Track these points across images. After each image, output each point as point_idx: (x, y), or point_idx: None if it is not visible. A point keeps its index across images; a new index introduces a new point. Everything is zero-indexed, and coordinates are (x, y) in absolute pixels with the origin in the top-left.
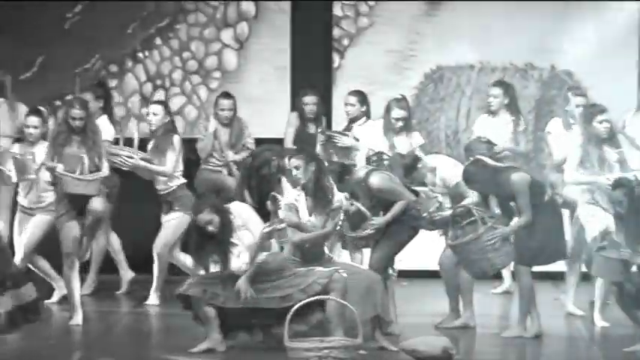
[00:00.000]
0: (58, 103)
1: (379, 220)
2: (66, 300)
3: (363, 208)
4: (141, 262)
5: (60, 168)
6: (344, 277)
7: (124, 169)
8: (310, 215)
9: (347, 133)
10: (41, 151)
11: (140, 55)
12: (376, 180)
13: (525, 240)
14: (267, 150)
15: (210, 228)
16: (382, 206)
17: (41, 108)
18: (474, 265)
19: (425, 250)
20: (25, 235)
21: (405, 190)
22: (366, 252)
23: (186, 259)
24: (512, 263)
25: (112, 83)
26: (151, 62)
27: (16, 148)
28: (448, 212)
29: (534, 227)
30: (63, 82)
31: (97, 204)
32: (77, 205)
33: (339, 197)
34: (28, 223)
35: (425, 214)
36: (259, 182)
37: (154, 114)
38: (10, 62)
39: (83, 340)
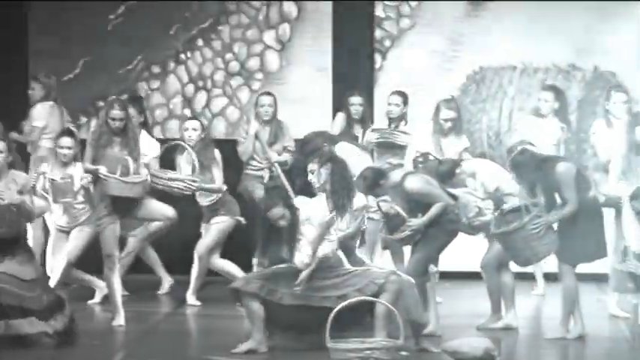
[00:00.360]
0: (100, 104)
1: (417, 221)
2: (107, 300)
3: (401, 211)
4: (178, 263)
5: (103, 170)
6: (400, 280)
7: (186, 193)
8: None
9: (405, 131)
10: (78, 172)
11: (182, 56)
12: (412, 183)
13: (567, 237)
14: (318, 135)
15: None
16: (420, 209)
17: (72, 128)
18: (517, 254)
19: (466, 251)
20: (68, 246)
21: (442, 192)
22: (407, 253)
23: (224, 265)
24: (557, 265)
25: (155, 84)
26: (193, 63)
27: (47, 169)
28: (488, 217)
29: (575, 224)
30: (106, 83)
31: (171, 212)
32: (119, 207)
33: (361, 198)
34: (63, 241)
35: (464, 219)
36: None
37: (194, 129)
38: (53, 63)
39: (126, 341)
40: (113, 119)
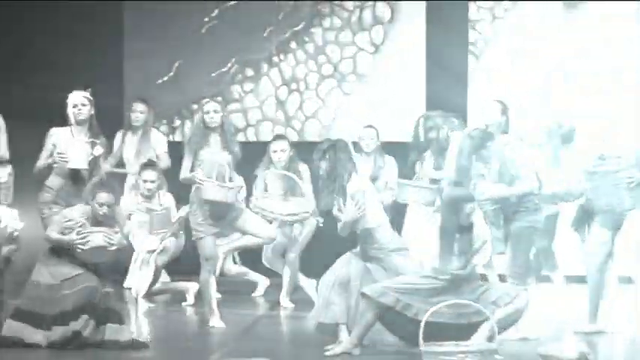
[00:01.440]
0: (194, 106)
1: (497, 186)
2: (200, 301)
3: (487, 178)
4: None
5: (199, 174)
6: (527, 298)
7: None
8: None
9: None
10: (166, 201)
11: (275, 58)
12: (513, 148)
13: None
14: (440, 115)
15: (471, 219)
16: (506, 180)
17: (153, 159)
18: (601, 198)
19: (568, 254)
20: (158, 257)
21: (532, 175)
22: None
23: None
24: None
25: (248, 87)
26: (286, 66)
27: (136, 202)
28: (583, 186)
29: None
30: (200, 86)
31: (274, 232)
32: (216, 211)
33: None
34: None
35: (559, 189)
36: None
37: (282, 150)
38: (147, 65)
39: (220, 342)
40: (207, 112)
